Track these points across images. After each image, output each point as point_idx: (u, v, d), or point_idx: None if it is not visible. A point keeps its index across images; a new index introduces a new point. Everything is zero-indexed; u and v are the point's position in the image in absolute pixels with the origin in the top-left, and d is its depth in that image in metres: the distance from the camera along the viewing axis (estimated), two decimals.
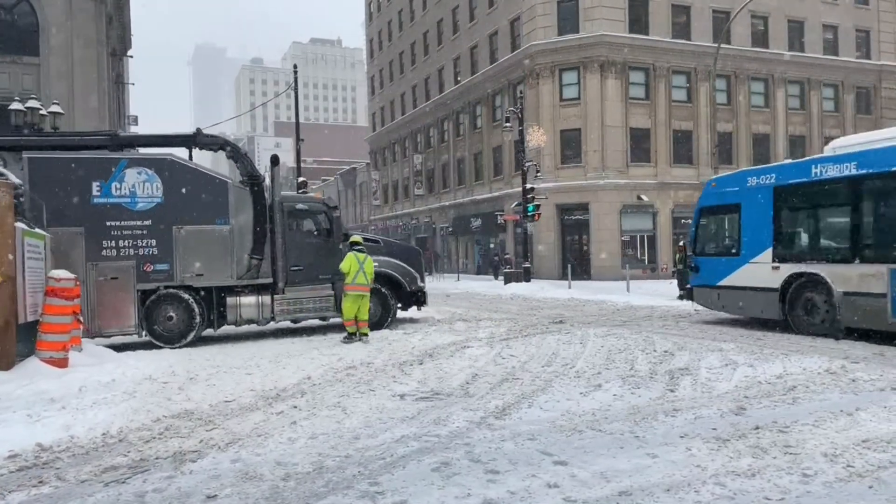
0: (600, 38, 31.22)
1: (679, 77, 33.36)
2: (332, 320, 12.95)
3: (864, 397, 6.15)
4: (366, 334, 11.10)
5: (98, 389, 7.15)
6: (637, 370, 7.75)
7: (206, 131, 12.19)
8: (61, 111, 17.94)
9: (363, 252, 11.32)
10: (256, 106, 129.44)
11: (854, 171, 10.05)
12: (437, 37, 44.54)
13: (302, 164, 27.00)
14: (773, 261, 11.22)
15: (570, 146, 32.12)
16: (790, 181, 11.13)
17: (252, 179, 11.57)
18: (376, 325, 12.27)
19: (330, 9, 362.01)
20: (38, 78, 22.11)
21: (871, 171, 9.80)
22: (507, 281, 26.19)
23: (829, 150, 11.34)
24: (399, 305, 13.00)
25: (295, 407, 6.34)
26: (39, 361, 7.86)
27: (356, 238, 11.88)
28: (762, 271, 11.37)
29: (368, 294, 11.23)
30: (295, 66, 25.85)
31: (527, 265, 26.39)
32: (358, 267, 11.03)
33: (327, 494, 4.05)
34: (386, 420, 5.80)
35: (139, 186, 10.78)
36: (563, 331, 11.50)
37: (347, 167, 68.31)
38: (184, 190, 11.01)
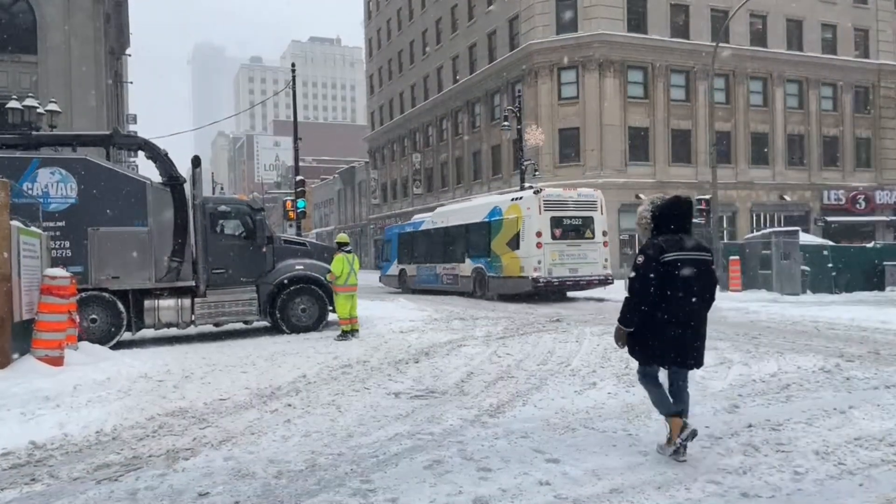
0: (599, 37, 31.25)
1: (677, 76, 33.39)
2: (255, 323, 12.88)
3: (857, 395, 6.15)
4: (356, 330, 11.32)
5: (93, 388, 7.16)
6: (632, 368, 7.71)
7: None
8: (59, 110, 17.91)
9: (351, 252, 11.39)
10: (255, 104, 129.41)
11: (411, 229, 24.94)
12: (435, 36, 44.52)
13: (301, 163, 27.01)
14: (398, 263, 25.28)
15: (569, 145, 32.16)
16: (400, 232, 25.91)
17: (171, 181, 11.35)
18: (312, 326, 12.36)
19: (329, 8, 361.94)
20: (35, 76, 22.10)
21: (412, 229, 24.78)
22: None
23: (413, 219, 26.72)
24: (330, 308, 12.64)
25: (289, 405, 6.34)
26: (35, 360, 7.86)
27: (343, 238, 11.90)
28: (395, 268, 25.48)
29: (357, 292, 11.50)
30: (293, 65, 25.80)
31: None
32: (349, 268, 11.18)
33: (319, 492, 4.05)
34: (380, 418, 5.80)
35: (52, 187, 10.47)
36: (559, 329, 11.51)
37: (346, 166, 68.27)
38: (100, 191, 10.72)
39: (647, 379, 4.68)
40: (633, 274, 4.43)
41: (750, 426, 5.17)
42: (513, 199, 18.79)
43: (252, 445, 5.05)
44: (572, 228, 17.90)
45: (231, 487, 4.17)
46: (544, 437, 5.11)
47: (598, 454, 4.64)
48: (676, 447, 4.40)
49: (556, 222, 17.58)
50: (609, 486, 4.00)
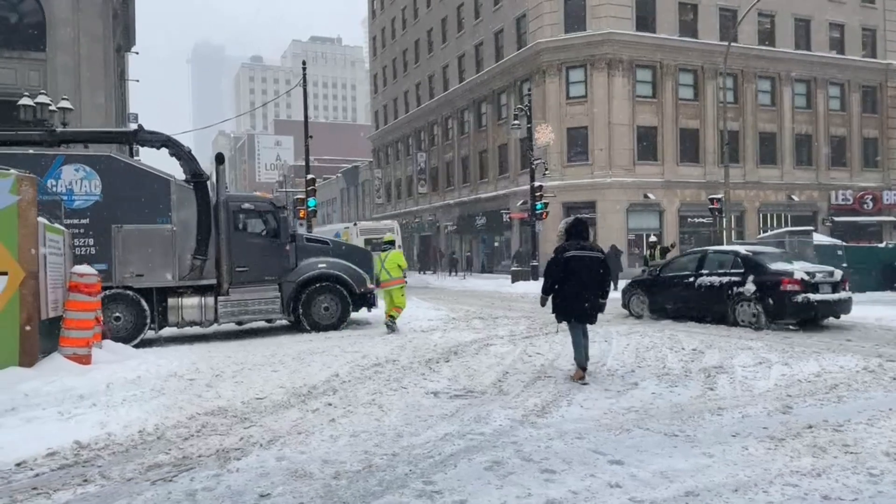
0: (607, 35, 31.12)
1: (686, 75, 33.25)
2: (277, 322, 12.77)
3: None
4: (393, 318, 11.70)
5: (125, 386, 7.04)
6: (670, 368, 7.65)
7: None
8: (71, 107, 17.79)
9: (386, 250, 11.50)
10: (258, 106, 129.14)
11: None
12: (441, 34, 44.36)
13: (303, 162, 26.94)
14: None
15: (577, 144, 32.01)
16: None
17: (195, 178, 11.25)
18: (335, 324, 12.30)
19: (329, 7, 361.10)
20: (44, 74, 21.93)
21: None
22: (514, 279, 26.10)
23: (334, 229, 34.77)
24: (352, 308, 12.63)
25: (330, 404, 6.22)
26: (63, 358, 7.76)
27: (386, 237, 12.24)
28: None
29: (399, 286, 11.69)
30: (304, 63, 25.66)
31: (534, 263, 26.30)
32: (380, 266, 11.31)
33: (383, 493, 3.94)
34: (425, 418, 5.69)
35: (76, 184, 10.39)
36: None
37: (348, 165, 68.06)
38: (124, 188, 10.63)
39: (571, 331, 7.33)
40: (548, 264, 7.35)
41: (810, 427, 5.06)
42: (345, 228, 30.16)
43: (302, 445, 4.94)
44: (378, 244, 29.55)
45: (291, 488, 4.06)
46: (600, 437, 5.00)
47: (661, 455, 4.53)
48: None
49: (367, 241, 27.06)
50: (683, 489, 3.89)
